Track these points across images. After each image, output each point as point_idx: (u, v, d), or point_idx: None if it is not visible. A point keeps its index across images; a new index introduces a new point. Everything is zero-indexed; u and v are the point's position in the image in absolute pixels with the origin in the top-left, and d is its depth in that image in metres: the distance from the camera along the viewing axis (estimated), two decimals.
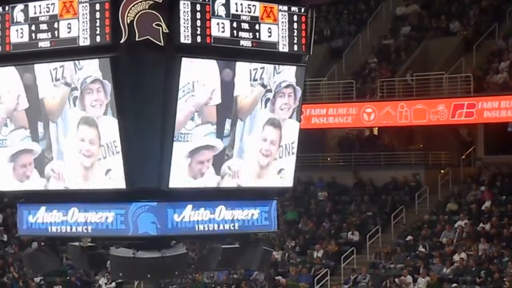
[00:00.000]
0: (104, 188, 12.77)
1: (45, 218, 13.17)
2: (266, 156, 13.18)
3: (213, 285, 28.11)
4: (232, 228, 13.15)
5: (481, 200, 28.16)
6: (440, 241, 27.16)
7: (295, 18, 13.47)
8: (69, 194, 12.99)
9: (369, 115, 28.98)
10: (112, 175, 12.54)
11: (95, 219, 12.82)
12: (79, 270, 27.39)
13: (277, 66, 13.26)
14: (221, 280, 28.06)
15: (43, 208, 13.13)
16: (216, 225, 13.05)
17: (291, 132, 13.46)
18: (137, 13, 12.38)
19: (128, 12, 12.37)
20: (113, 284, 28.69)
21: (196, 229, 12.90)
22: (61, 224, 13.04)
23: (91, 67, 12.57)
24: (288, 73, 13.36)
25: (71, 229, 12.97)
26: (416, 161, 30.51)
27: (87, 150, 12.68)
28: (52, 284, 28.36)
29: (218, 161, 12.93)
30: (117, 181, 12.54)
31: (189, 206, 12.84)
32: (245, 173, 13.16)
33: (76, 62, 12.70)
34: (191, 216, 12.83)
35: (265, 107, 13.24)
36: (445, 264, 26.12)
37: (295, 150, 13.48)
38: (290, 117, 13.42)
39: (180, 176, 12.60)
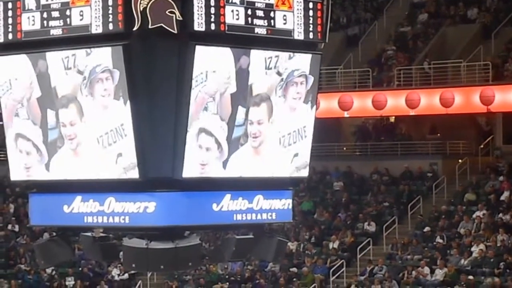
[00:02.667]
0: (117, 178, 12.60)
1: (80, 208, 12.83)
2: (256, 137, 12.84)
3: (227, 277, 27.98)
4: (270, 217, 13.04)
5: (499, 190, 27.88)
6: (458, 232, 26.90)
7: (310, 5, 13.27)
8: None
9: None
10: (123, 161, 12.34)
11: (133, 209, 12.50)
12: (92, 261, 27.34)
13: (291, 53, 13.04)
14: (235, 271, 27.93)
15: (79, 198, 12.83)
16: (254, 215, 12.95)
17: (303, 116, 13.21)
18: (150, 0, 12.20)
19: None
20: (126, 275, 28.59)
21: (234, 218, 12.80)
22: (97, 214, 12.69)
23: (102, 55, 12.38)
24: (300, 60, 13.14)
25: (107, 219, 12.66)
26: (433, 150, 30.26)
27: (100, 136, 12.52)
28: (64, 275, 28.30)
29: (232, 149, 12.76)
30: (130, 171, 12.38)
31: (228, 196, 12.72)
32: (256, 162, 12.99)
33: (88, 50, 12.53)
34: (229, 205, 12.73)
35: (279, 95, 13.04)
36: (463, 255, 25.88)
37: (308, 134, 13.24)
38: (304, 102, 13.20)
39: (191, 165, 12.42)
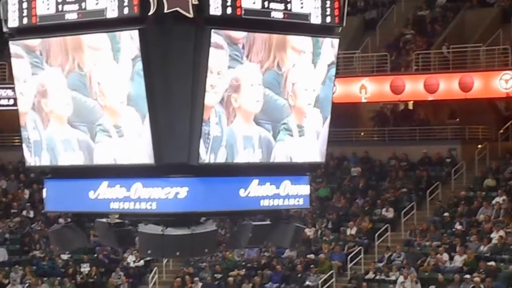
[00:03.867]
0: (131, 163, 12.49)
1: (107, 194, 12.65)
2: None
3: (243, 263, 27.89)
4: (297, 203, 12.98)
5: None
6: (477, 218, 26.68)
7: None
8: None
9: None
10: (140, 147, 12.19)
11: (160, 195, 12.32)
12: (107, 247, 27.32)
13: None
14: (252, 258, 27.83)
15: (105, 183, 12.67)
16: (281, 200, 12.84)
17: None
18: None
19: None
20: (141, 262, 28.57)
21: (261, 204, 12.72)
22: (123, 200, 12.50)
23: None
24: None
25: (134, 205, 12.47)
26: (452, 135, 29.99)
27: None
28: (79, 262, 28.30)
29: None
30: (143, 156, 12.27)
31: (255, 181, 12.63)
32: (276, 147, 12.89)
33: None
34: (257, 191, 12.64)
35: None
36: (482, 242, 25.66)
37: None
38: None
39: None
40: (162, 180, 12.36)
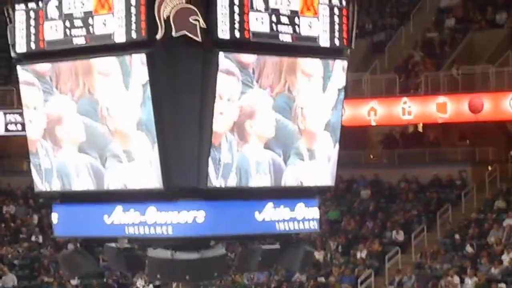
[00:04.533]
0: (141, 188, 12.44)
1: (122, 219, 12.59)
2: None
3: (253, 287, 27.74)
4: (312, 227, 13.03)
5: None
6: (488, 241, 26.49)
7: (336, 11, 13.09)
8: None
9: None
10: (150, 171, 12.15)
11: (178, 219, 12.26)
12: (116, 271, 27.22)
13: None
14: (262, 281, 27.68)
15: (119, 208, 12.61)
16: (296, 224, 12.88)
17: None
18: (173, 8, 12.08)
19: (165, 7, 12.06)
20: (151, 286, 28.42)
21: (277, 228, 12.73)
22: (138, 225, 12.45)
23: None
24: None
25: (149, 230, 12.42)
26: (462, 157, 29.86)
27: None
28: (89, 286, 28.15)
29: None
30: (152, 180, 12.22)
31: (270, 204, 12.62)
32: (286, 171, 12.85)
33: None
34: (272, 214, 12.68)
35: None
36: (493, 264, 25.46)
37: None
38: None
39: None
40: (178, 204, 12.33)
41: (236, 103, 12.31)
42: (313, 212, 13.11)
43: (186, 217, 12.27)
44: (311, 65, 12.88)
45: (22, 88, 13.26)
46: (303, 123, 12.87)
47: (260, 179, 12.63)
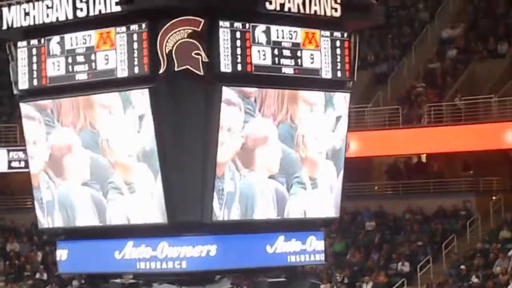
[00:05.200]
0: (145, 222, 12.38)
1: (133, 254, 12.56)
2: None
3: None
4: (319, 259, 13.06)
5: None
6: (494, 271, 26.32)
7: (337, 43, 13.13)
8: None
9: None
10: (154, 205, 12.11)
11: (192, 253, 12.24)
12: None
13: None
14: None
15: (130, 243, 12.58)
16: (307, 256, 12.94)
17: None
18: (175, 43, 12.10)
19: (167, 42, 12.09)
20: None
21: (288, 260, 12.73)
22: (150, 260, 12.42)
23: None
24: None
25: (161, 265, 12.38)
26: (466, 188, 29.76)
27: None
28: None
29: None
30: (155, 215, 12.18)
31: (281, 237, 12.64)
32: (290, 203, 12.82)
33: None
34: (283, 247, 12.71)
35: None
36: None
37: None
38: None
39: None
40: (190, 239, 12.27)
41: (239, 133, 12.29)
42: (320, 244, 13.05)
43: (199, 251, 12.23)
44: (313, 94, 12.90)
45: (24, 122, 13.29)
46: (304, 151, 12.86)
47: (264, 210, 12.59)
